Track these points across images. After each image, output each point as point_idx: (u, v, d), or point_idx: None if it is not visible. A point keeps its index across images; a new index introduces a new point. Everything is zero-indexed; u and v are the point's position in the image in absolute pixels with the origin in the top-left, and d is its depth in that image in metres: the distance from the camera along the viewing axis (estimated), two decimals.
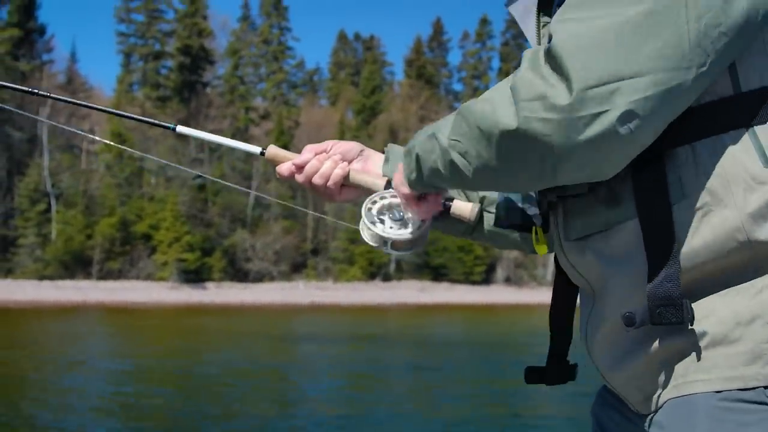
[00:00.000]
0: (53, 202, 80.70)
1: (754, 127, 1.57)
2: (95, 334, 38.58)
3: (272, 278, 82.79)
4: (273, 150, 2.27)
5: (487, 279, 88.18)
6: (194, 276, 78.41)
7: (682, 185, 1.58)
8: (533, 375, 2.03)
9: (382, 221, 2.10)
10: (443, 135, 1.71)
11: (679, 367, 1.61)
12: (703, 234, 1.57)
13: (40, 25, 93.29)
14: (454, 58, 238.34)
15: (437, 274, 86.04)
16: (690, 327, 1.57)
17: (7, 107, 2.83)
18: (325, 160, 2.20)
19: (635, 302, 1.63)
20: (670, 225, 1.57)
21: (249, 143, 2.32)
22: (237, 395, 17.82)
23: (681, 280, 1.56)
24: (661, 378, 1.65)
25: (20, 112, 2.61)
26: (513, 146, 1.56)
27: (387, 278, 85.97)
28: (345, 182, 2.21)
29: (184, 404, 16.92)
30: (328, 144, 2.24)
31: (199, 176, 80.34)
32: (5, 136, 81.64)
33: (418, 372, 23.25)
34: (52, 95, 2.59)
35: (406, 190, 1.93)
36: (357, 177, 2.21)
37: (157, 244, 79.08)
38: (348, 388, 19.96)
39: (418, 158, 1.81)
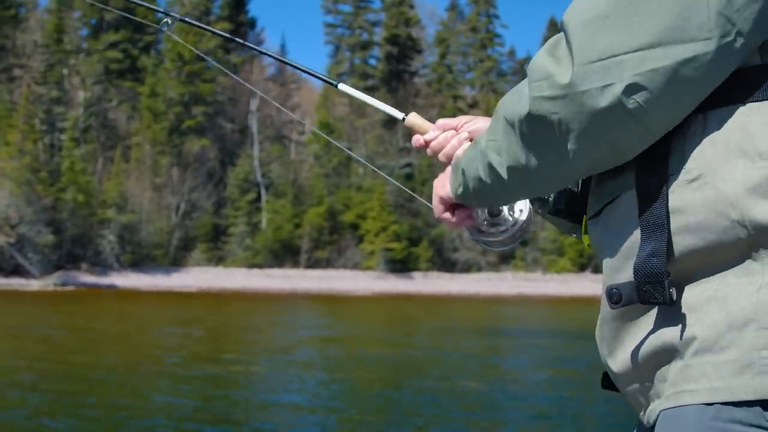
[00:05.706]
0: (263, 191, 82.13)
1: None
2: (306, 320, 39.13)
3: (479, 269, 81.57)
4: (413, 118, 2.13)
5: None
6: (401, 266, 78.24)
7: (683, 155, 1.44)
8: (608, 379, 1.69)
9: (479, 217, 1.95)
10: (483, 138, 1.68)
11: (670, 374, 1.45)
12: (695, 208, 1.41)
13: (250, 18, 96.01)
14: None
15: None
16: (681, 330, 1.43)
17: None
18: (452, 138, 2.00)
19: (622, 277, 1.50)
20: (664, 197, 1.44)
21: None
22: (442, 386, 17.46)
23: (673, 260, 1.43)
24: (657, 385, 1.48)
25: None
26: (530, 130, 1.52)
27: (598, 270, 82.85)
28: None
29: (392, 391, 17.08)
30: (460, 120, 2.02)
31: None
32: (218, 128, 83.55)
33: None
34: (250, 44, 2.74)
35: (440, 202, 1.86)
36: None
37: (364, 234, 79.34)
38: (552, 383, 18.79)
39: (463, 172, 1.74)
